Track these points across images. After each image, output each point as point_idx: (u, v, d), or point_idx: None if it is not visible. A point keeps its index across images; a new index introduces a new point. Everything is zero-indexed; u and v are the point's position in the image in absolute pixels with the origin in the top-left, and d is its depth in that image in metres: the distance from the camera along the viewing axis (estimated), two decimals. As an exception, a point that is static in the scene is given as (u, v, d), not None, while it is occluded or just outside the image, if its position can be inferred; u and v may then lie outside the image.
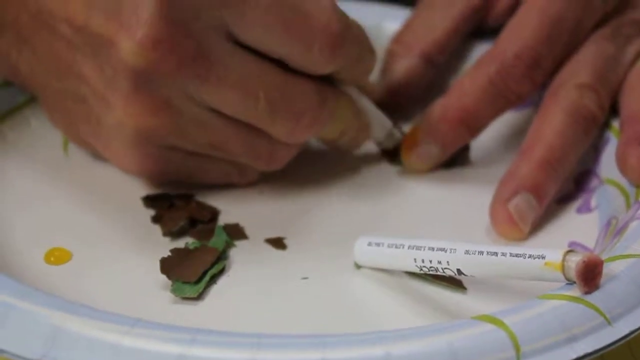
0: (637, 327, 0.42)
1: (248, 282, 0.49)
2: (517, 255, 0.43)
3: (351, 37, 0.51)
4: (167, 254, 0.49)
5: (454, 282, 0.48)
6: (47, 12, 0.50)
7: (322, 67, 0.51)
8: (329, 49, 0.50)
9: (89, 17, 0.49)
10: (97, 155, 0.55)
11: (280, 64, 0.50)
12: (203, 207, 0.53)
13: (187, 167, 0.53)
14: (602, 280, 0.43)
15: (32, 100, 0.58)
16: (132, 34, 0.47)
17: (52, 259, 0.50)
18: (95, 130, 0.52)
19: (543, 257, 0.43)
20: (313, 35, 0.49)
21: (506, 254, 0.44)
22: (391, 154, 0.58)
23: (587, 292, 0.42)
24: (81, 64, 0.50)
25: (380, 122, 0.57)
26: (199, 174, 0.53)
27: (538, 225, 0.52)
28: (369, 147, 0.58)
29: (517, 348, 0.40)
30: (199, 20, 0.48)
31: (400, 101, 0.60)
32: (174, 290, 0.47)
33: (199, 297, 0.47)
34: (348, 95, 0.54)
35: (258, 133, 0.51)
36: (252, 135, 0.51)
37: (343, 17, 0.50)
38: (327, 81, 0.52)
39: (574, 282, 0.42)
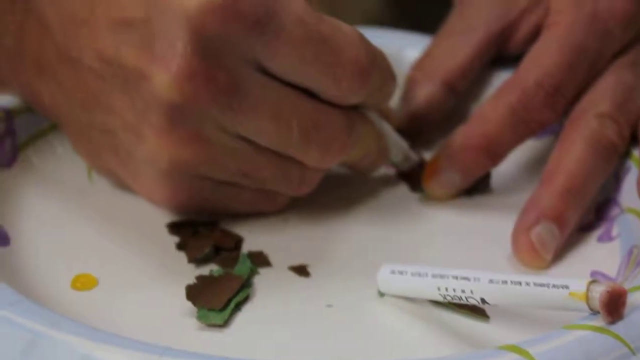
0: (662, 356, 0.43)
1: (272, 309, 0.49)
2: (540, 285, 0.43)
3: (377, 68, 0.51)
4: (192, 281, 0.49)
5: (477, 311, 0.48)
6: (74, 45, 0.50)
7: (351, 98, 0.51)
8: (357, 81, 0.50)
9: (119, 49, 0.48)
10: (121, 185, 0.55)
11: (310, 93, 0.50)
12: (227, 234, 0.53)
13: (216, 196, 0.53)
14: (626, 310, 0.43)
15: (57, 126, 0.58)
16: (167, 68, 0.47)
17: (78, 285, 0.50)
18: (123, 162, 0.52)
19: (567, 287, 0.42)
20: (342, 68, 0.49)
21: (530, 283, 0.44)
22: (412, 181, 0.58)
23: (611, 322, 0.42)
24: (110, 97, 0.50)
25: (397, 145, 0.57)
26: (227, 203, 0.53)
27: (560, 253, 0.52)
28: (391, 174, 0.58)
29: (543, 378, 0.40)
30: (231, 53, 0.48)
31: (421, 128, 0.60)
32: (199, 317, 0.47)
33: (225, 324, 0.47)
34: (371, 120, 0.54)
35: (289, 160, 0.51)
36: (283, 162, 0.51)
37: (370, 49, 0.50)
38: (352, 106, 0.52)
39: (598, 312, 0.42)
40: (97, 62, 0.50)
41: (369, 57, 0.50)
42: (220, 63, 0.48)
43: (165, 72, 0.47)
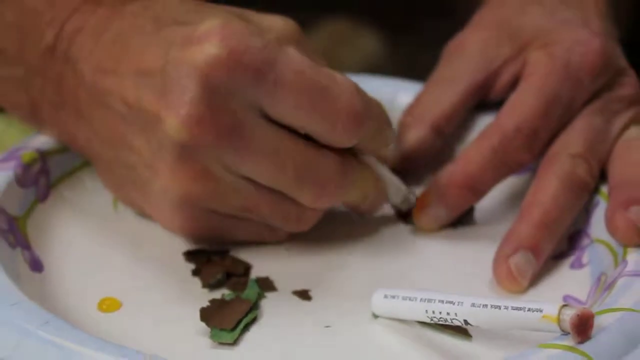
0: (624, 373, 0.42)
1: (277, 329, 0.48)
2: (517, 309, 0.43)
3: (371, 115, 0.51)
4: (206, 304, 0.49)
5: (460, 331, 0.48)
6: (103, 90, 0.51)
7: (345, 142, 0.50)
8: (351, 127, 0.50)
9: (139, 96, 0.49)
10: (142, 214, 0.56)
11: (307, 138, 0.50)
12: (237, 262, 0.53)
13: (223, 227, 0.53)
14: (594, 331, 0.43)
15: (86, 163, 0.58)
16: (177, 113, 0.47)
17: (104, 307, 0.49)
18: (142, 194, 0.52)
19: (541, 311, 0.43)
20: (337, 115, 0.49)
21: (508, 307, 0.44)
22: (404, 215, 0.57)
23: (580, 342, 0.43)
24: (131, 136, 0.50)
25: (396, 188, 0.56)
26: (233, 233, 0.53)
27: (536, 279, 0.52)
28: (384, 208, 0.58)
29: (518, 392, 0.40)
30: (235, 100, 0.48)
31: (412, 167, 0.60)
32: (212, 337, 0.47)
33: (235, 342, 0.47)
34: (368, 164, 0.54)
35: (287, 199, 0.51)
36: (281, 200, 0.51)
37: (364, 97, 0.50)
38: (350, 151, 0.52)
39: (569, 333, 0.42)
40: (121, 106, 0.50)
41: (362, 105, 0.50)
42: (225, 109, 0.48)
43: (175, 116, 0.47)
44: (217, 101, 0.48)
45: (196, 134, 0.48)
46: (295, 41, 0.51)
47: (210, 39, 0.47)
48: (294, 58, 0.49)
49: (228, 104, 0.48)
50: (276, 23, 0.51)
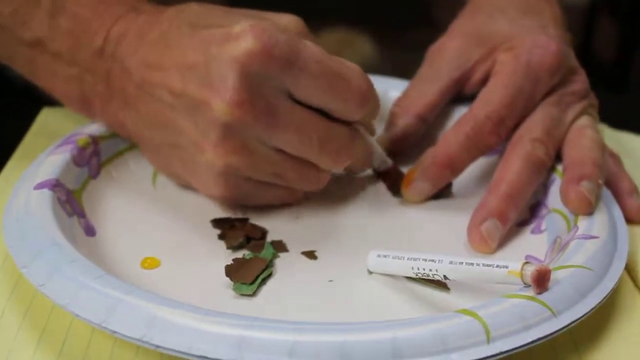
0: (575, 318, 0.43)
1: (289, 283, 0.49)
2: (487, 266, 0.44)
3: (373, 93, 0.51)
4: (229, 262, 0.49)
5: (441, 284, 0.48)
6: (149, 83, 0.51)
7: (355, 116, 0.51)
8: (361, 103, 0.50)
9: (185, 85, 0.49)
10: (185, 186, 0.56)
11: (325, 114, 0.51)
12: (256, 227, 0.53)
13: (254, 191, 0.53)
14: (550, 284, 0.43)
15: (130, 147, 0.58)
16: (223, 98, 0.47)
17: (146, 265, 0.50)
18: (188, 168, 0.52)
19: (506, 267, 0.43)
20: (350, 94, 0.50)
21: (479, 264, 0.44)
22: (394, 189, 0.58)
23: (539, 293, 0.43)
24: (179, 120, 0.50)
25: (377, 152, 0.57)
26: (262, 196, 0.53)
27: (503, 242, 0.52)
28: (379, 185, 0.58)
29: (487, 333, 0.41)
30: (268, 85, 0.48)
31: (400, 149, 0.60)
32: (235, 289, 0.47)
33: (254, 294, 0.47)
34: (362, 134, 0.54)
35: (309, 164, 0.52)
36: (305, 166, 0.52)
37: (368, 80, 0.51)
38: (348, 122, 0.52)
39: (529, 285, 0.43)
40: (168, 95, 0.50)
41: (368, 86, 0.51)
42: (260, 93, 0.48)
43: (222, 100, 0.47)
44: (254, 87, 0.48)
45: (238, 114, 0.48)
46: (304, 35, 0.51)
47: (245, 36, 0.48)
48: (312, 49, 0.49)
49: (262, 89, 0.48)
50: (289, 20, 0.52)
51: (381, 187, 0.59)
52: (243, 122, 0.48)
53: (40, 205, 0.50)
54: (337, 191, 0.57)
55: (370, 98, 0.51)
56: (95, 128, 0.58)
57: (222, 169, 0.50)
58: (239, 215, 0.54)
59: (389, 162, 0.58)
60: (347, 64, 0.50)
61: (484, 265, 0.44)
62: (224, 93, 0.48)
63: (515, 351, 0.41)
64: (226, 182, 0.51)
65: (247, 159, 0.50)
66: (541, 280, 0.43)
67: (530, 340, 0.41)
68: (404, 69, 0.67)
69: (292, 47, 0.48)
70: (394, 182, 0.58)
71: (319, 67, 0.49)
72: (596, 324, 0.47)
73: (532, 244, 0.53)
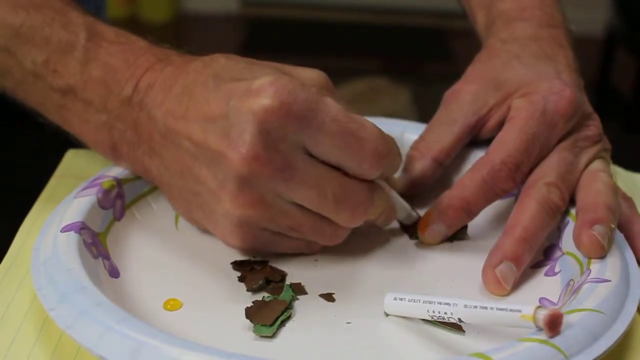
0: (588, 361, 0.43)
1: (307, 325, 0.49)
2: (501, 309, 0.44)
3: (389, 152, 0.51)
4: (249, 304, 0.50)
5: (455, 327, 0.48)
6: (174, 132, 0.51)
7: (370, 175, 0.51)
8: (376, 164, 0.50)
9: (206, 136, 0.49)
10: (206, 231, 0.56)
11: (341, 170, 0.51)
12: (275, 270, 0.54)
13: (271, 242, 0.53)
14: (563, 327, 0.44)
15: (154, 189, 0.59)
16: (239, 151, 0.48)
17: (168, 307, 0.50)
18: (207, 216, 0.52)
19: (520, 311, 0.44)
20: (365, 154, 0.50)
21: (493, 308, 0.45)
22: (410, 231, 0.58)
23: (552, 337, 0.44)
24: (199, 170, 0.51)
25: (402, 206, 0.57)
26: (278, 246, 0.54)
27: (517, 284, 0.52)
28: (394, 227, 0.58)
29: (502, 376, 0.41)
30: (285, 141, 0.49)
31: (417, 191, 0.60)
32: (255, 331, 0.48)
33: (273, 335, 0.48)
34: (384, 188, 0.54)
35: (325, 219, 0.52)
36: (320, 220, 0.52)
37: (385, 139, 0.51)
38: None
39: (542, 329, 0.43)
40: (190, 145, 0.51)
41: (384, 146, 0.51)
42: (277, 148, 0.48)
43: (238, 154, 0.48)
44: (271, 142, 0.48)
45: (254, 168, 0.48)
46: (327, 90, 0.52)
47: (265, 91, 0.48)
48: (331, 107, 0.49)
49: (279, 144, 0.48)
50: (312, 75, 0.52)
51: (397, 229, 0.59)
52: (259, 175, 0.48)
53: (67, 248, 0.50)
54: (355, 234, 0.57)
55: (384, 159, 0.51)
56: (119, 170, 0.58)
57: (239, 219, 0.50)
58: (259, 258, 0.55)
59: (414, 215, 0.58)
60: (365, 124, 0.50)
61: (497, 309, 0.45)
62: (241, 146, 0.48)
63: (529, 394, 0.41)
64: (243, 232, 0.51)
65: (263, 211, 0.50)
66: (554, 324, 0.43)
67: (543, 384, 0.42)
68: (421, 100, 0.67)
69: (310, 105, 0.48)
70: (415, 230, 0.58)
71: (336, 126, 0.49)
72: (609, 366, 0.47)
73: (546, 286, 0.53)
